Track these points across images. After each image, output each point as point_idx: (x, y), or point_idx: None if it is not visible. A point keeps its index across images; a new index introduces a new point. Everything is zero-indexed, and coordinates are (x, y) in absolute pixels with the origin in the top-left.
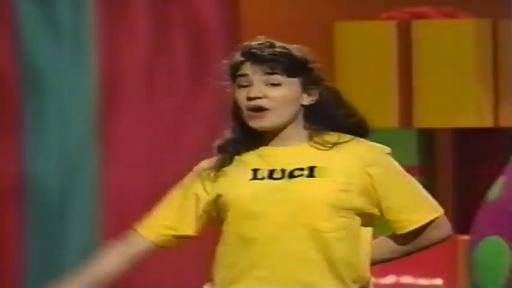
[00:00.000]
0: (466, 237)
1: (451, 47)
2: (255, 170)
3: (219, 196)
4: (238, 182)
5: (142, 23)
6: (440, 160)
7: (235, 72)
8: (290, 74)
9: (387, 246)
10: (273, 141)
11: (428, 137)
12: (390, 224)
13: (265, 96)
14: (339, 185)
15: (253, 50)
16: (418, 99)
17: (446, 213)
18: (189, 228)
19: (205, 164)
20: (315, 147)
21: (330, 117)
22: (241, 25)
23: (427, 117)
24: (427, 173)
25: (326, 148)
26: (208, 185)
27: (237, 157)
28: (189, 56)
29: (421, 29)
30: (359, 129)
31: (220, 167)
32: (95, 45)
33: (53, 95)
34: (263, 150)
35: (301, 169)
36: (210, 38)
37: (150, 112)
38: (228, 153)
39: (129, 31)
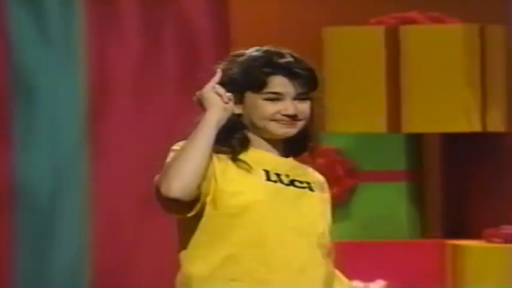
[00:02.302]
0: (453, 241)
1: (439, 52)
2: (267, 172)
3: (226, 188)
4: (256, 182)
5: (132, 26)
6: (428, 165)
7: (259, 83)
8: (312, 91)
9: None
10: (260, 147)
11: (416, 142)
12: None
13: (299, 112)
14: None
15: (289, 66)
16: (406, 104)
17: (434, 218)
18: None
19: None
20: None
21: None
22: (231, 28)
23: (416, 122)
24: (415, 178)
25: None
26: (219, 169)
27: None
28: (179, 59)
29: (409, 34)
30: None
31: (233, 158)
32: (85, 49)
33: (43, 99)
34: (258, 153)
35: (301, 182)
36: (200, 41)
37: (140, 115)
38: (238, 147)
39: (119, 35)
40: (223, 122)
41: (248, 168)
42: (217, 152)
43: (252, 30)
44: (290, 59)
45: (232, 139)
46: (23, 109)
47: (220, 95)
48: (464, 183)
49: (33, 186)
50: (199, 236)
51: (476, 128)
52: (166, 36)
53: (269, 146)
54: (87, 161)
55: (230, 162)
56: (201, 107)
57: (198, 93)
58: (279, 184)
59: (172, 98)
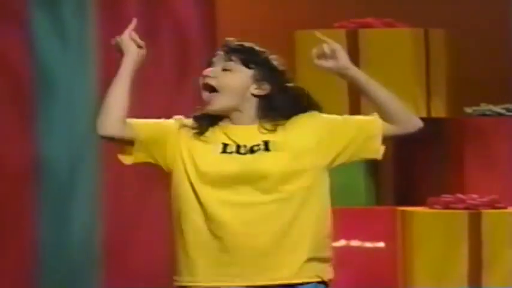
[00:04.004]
0: (402, 208)
1: (391, 51)
2: (225, 145)
3: (188, 156)
4: (211, 152)
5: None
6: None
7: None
8: (244, 63)
9: None
10: (228, 121)
11: None
12: (362, 150)
13: (216, 77)
14: (290, 154)
15: (225, 42)
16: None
17: (387, 190)
18: (139, 131)
19: (186, 120)
20: (263, 131)
21: (281, 109)
22: (217, 34)
23: (372, 109)
24: None
25: (273, 130)
26: (182, 138)
27: (209, 129)
28: (174, 58)
29: (366, 37)
30: (311, 108)
31: (199, 131)
32: (97, 49)
33: (61, 90)
34: (227, 128)
35: (258, 145)
36: (192, 43)
37: (142, 103)
38: (205, 123)
39: None
40: (139, 64)
41: (206, 140)
42: (187, 126)
43: (235, 34)
44: (234, 41)
45: (202, 119)
46: (46, 100)
47: (134, 40)
48: (412, 160)
49: (54, 162)
50: (172, 205)
51: (422, 113)
52: (163, 39)
53: (234, 119)
54: (98, 141)
55: (194, 138)
56: (120, 52)
57: (117, 39)
58: (234, 155)
59: (169, 88)
